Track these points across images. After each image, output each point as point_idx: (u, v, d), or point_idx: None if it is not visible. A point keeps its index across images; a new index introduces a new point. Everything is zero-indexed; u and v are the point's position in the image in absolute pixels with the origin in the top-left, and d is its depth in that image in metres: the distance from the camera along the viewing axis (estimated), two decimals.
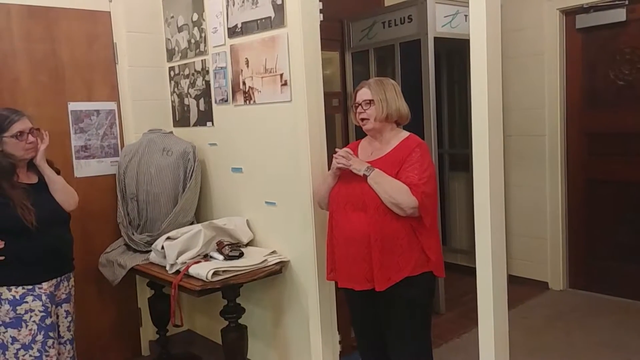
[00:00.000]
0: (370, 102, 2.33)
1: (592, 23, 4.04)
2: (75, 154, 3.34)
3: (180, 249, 2.85)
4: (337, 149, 2.38)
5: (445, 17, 3.89)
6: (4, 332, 2.39)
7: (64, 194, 2.58)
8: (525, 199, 4.47)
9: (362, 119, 2.37)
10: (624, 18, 3.86)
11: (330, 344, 2.89)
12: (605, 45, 4.03)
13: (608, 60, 4.03)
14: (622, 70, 3.96)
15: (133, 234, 3.26)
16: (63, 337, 2.61)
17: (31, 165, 2.55)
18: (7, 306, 2.38)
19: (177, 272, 2.80)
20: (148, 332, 3.65)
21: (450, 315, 3.97)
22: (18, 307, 2.39)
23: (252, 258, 2.86)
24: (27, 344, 2.40)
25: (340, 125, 4.46)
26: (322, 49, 2.80)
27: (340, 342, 2.99)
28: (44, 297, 2.44)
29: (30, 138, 2.46)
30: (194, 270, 2.73)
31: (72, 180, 3.23)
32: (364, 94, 2.36)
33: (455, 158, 4.97)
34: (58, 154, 3.14)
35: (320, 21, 2.78)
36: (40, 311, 2.43)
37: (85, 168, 3.38)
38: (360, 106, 2.36)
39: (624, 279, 4.07)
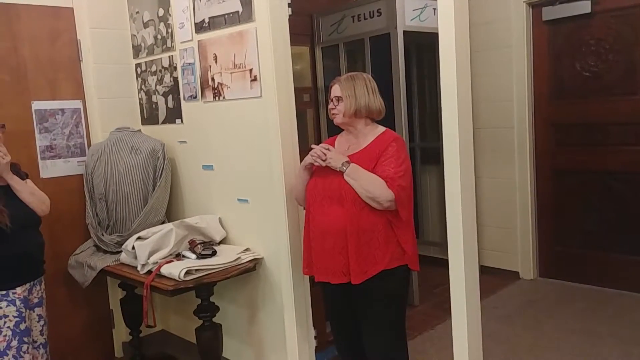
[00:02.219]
0: (339, 98, 2.35)
1: (558, 15, 4.10)
2: (40, 154, 3.26)
3: (151, 248, 2.81)
4: (313, 146, 2.38)
5: (414, 10, 3.90)
6: None
7: (34, 200, 2.53)
8: (495, 190, 4.53)
9: (332, 114, 2.40)
10: (589, 10, 3.92)
11: (305, 340, 2.89)
12: (571, 37, 4.10)
13: (574, 52, 4.10)
14: (588, 62, 4.04)
15: (103, 235, 3.20)
16: (36, 342, 2.57)
17: None
18: None
19: (149, 272, 2.76)
20: (121, 333, 3.59)
21: (424, 307, 4.01)
22: None
23: (225, 256, 2.83)
24: (1, 350, 2.37)
25: (312, 120, 4.46)
26: (291, 44, 2.78)
27: (315, 338, 3.00)
28: (18, 302, 2.40)
29: None
30: (166, 269, 2.69)
31: (38, 181, 3.14)
32: (334, 90, 2.39)
33: (427, 151, 5.01)
34: (23, 155, 3.07)
35: (289, 15, 2.76)
36: (15, 316, 2.39)
37: (51, 168, 3.29)
38: (332, 102, 2.39)
39: (591, 267, 4.17)
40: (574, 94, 4.14)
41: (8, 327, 2.38)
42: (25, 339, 2.43)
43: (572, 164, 4.21)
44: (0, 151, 2.41)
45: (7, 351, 2.37)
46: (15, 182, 2.48)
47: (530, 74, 4.30)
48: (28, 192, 2.52)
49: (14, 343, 2.39)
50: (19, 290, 2.42)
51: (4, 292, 2.38)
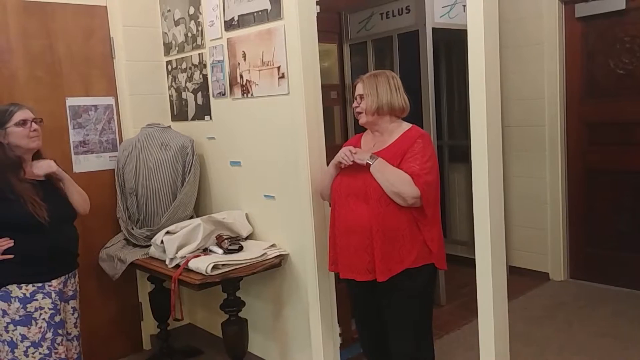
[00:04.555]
0: (362, 96, 2.36)
1: (591, 12, 4.01)
2: (73, 150, 3.34)
3: (179, 243, 2.85)
4: (344, 149, 2.38)
5: (443, 7, 3.86)
6: (13, 330, 2.35)
7: (80, 200, 2.59)
8: (526, 189, 4.46)
9: (358, 113, 2.40)
10: (624, 6, 3.83)
11: (330, 336, 2.89)
12: (605, 34, 4.01)
13: (608, 49, 4.00)
14: (622, 59, 3.94)
15: (133, 229, 3.26)
16: (70, 334, 2.58)
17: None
18: (17, 304, 2.34)
19: (177, 266, 2.81)
20: (149, 326, 3.66)
21: (451, 306, 3.97)
22: (28, 305, 2.36)
23: (251, 251, 2.86)
24: (36, 341, 2.38)
25: (339, 117, 4.45)
26: (319, 41, 2.79)
27: (340, 335, 3.00)
28: (53, 295, 2.42)
29: (34, 126, 2.41)
30: (193, 264, 2.73)
31: (71, 175, 3.18)
32: (358, 88, 2.40)
33: (455, 149, 4.95)
34: (56, 150, 3.15)
35: (318, 13, 2.77)
36: (50, 309, 2.41)
37: (84, 163, 3.37)
38: (355, 100, 2.40)
39: (624, 269, 4.07)
40: (607, 93, 4.05)
41: (43, 318, 2.39)
42: (60, 331, 2.45)
43: (604, 163, 4.12)
44: (52, 167, 2.49)
45: (42, 342, 2.39)
46: (69, 182, 2.55)
47: (563, 71, 4.22)
48: (77, 192, 2.58)
49: (49, 335, 2.40)
50: (54, 282, 2.43)
51: (39, 285, 2.38)
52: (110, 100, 3.47)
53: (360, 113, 2.38)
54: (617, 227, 4.09)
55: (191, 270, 2.73)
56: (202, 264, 2.67)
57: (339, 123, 4.46)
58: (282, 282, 3.03)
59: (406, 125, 2.40)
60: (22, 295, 2.35)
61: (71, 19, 3.31)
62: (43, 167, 2.48)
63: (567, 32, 4.18)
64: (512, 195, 4.46)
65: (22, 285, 2.35)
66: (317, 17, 2.77)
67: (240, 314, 2.87)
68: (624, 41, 3.91)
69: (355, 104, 2.41)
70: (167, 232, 2.94)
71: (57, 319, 2.44)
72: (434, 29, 3.76)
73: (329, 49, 4.36)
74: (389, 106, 2.34)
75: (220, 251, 2.84)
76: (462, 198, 4.91)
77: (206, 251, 2.89)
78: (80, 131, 3.36)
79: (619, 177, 4.05)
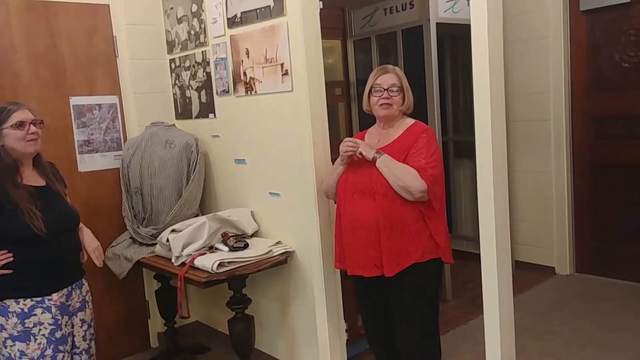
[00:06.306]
0: (400, 89, 2.33)
1: (596, 5, 3.98)
2: (78, 149, 3.34)
3: (185, 241, 2.85)
4: (345, 141, 2.38)
5: (447, 2, 3.84)
6: (11, 346, 2.20)
7: None
8: (531, 184, 4.45)
9: (383, 104, 2.33)
10: None
11: (337, 333, 2.90)
12: (610, 27, 3.98)
13: (613, 42, 3.98)
14: (628, 53, 3.92)
15: (138, 227, 3.27)
16: (79, 347, 2.42)
17: (37, 166, 2.35)
18: (14, 319, 2.19)
19: (183, 264, 2.81)
20: (156, 324, 3.67)
21: (457, 301, 3.97)
22: (26, 321, 2.20)
23: (257, 249, 2.87)
24: (35, 358, 2.22)
25: (344, 114, 4.45)
26: (323, 38, 2.78)
27: (347, 331, 3.00)
28: (54, 309, 2.25)
29: (33, 128, 2.23)
30: (199, 262, 2.73)
31: (76, 174, 3.25)
32: (391, 79, 2.34)
33: (460, 145, 4.95)
34: (61, 149, 3.16)
35: (321, 9, 2.76)
36: (50, 324, 2.24)
37: (88, 162, 3.38)
38: (386, 91, 2.32)
39: (631, 263, 4.05)
40: (612, 86, 4.03)
41: (43, 334, 2.23)
42: (61, 348, 2.28)
43: (610, 157, 4.10)
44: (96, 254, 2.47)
45: (41, 359, 2.23)
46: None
47: (568, 65, 4.19)
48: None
49: (49, 352, 2.24)
50: (54, 296, 2.26)
51: (39, 299, 2.22)
52: (114, 99, 3.47)
53: (390, 105, 2.33)
54: (623, 221, 4.08)
55: (197, 268, 2.73)
56: (208, 262, 2.68)
57: (344, 120, 4.46)
58: (288, 279, 3.03)
59: (410, 121, 2.41)
60: (19, 310, 2.20)
61: (74, 18, 3.31)
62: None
63: (572, 26, 4.15)
64: (517, 190, 4.45)
65: (19, 300, 2.20)
66: (321, 13, 2.76)
67: (246, 311, 2.88)
68: (629, 34, 3.88)
69: (386, 95, 2.32)
70: (173, 231, 2.94)
71: (58, 334, 2.27)
72: (438, 24, 3.75)
73: (333, 45, 4.36)
74: (411, 105, 2.39)
75: (226, 249, 2.84)
76: (468, 193, 4.91)
77: (212, 249, 2.89)
78: (85, 130, 3.37)
79: (625, 171, 4.03)
